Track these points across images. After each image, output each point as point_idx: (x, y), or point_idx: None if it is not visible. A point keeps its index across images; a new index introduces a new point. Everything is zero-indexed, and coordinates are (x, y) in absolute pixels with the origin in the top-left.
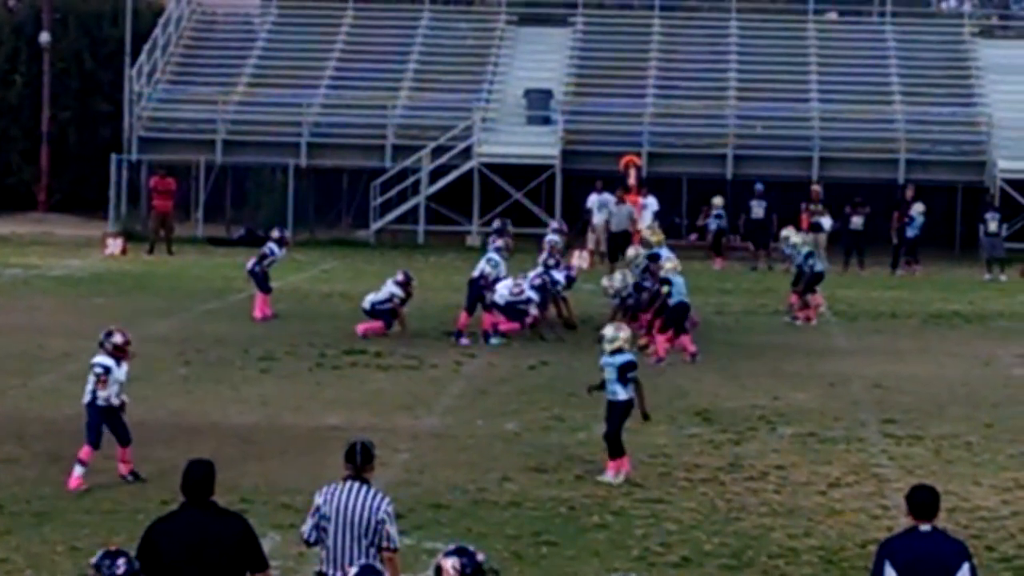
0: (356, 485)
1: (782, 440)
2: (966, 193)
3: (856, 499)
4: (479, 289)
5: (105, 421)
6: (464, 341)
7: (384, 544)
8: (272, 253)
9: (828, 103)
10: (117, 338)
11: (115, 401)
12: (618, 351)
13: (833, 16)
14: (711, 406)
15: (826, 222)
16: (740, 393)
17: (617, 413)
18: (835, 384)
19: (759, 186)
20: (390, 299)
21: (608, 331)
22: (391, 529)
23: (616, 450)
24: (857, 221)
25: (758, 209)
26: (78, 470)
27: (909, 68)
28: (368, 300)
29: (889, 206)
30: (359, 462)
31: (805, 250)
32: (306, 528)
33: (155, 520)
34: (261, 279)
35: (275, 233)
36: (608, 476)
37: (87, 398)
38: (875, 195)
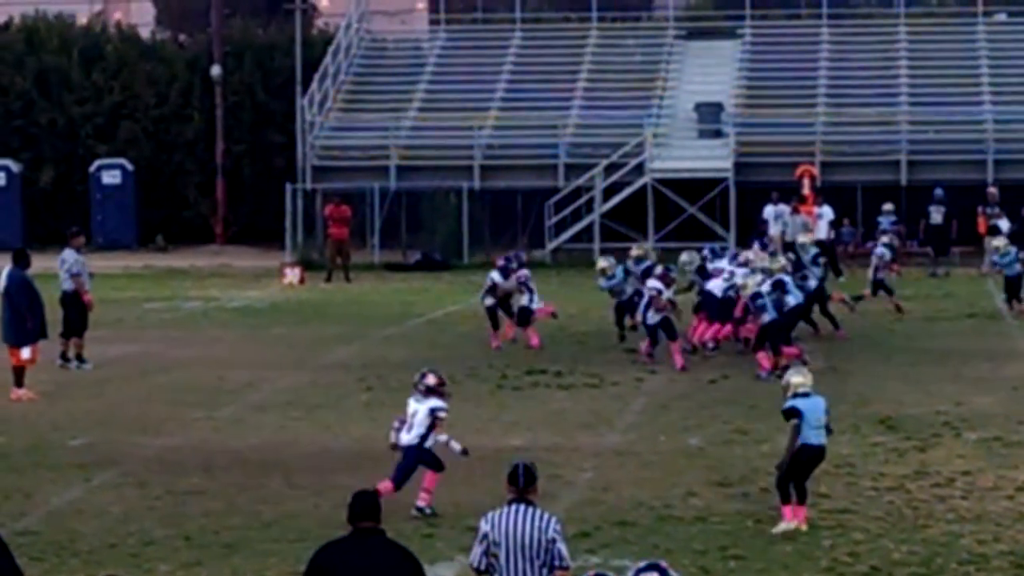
0: (522, 508)
1: (968, 445)
2: None
3: None
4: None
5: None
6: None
7: (557, 563)
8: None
9: (1001, 105)
10: (430, 379)
11: (447, 441)
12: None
13: (1002, 17)
14: (895, 413)
15: (1004, 224)
16: (923, 399)
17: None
18: (1019, 388)
19: (939, 191)
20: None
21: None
22: (562, 548)
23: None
24: None
25: (937, 215)
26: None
27: None
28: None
29: None
30: (522, 484)
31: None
32: (475, 555)
33: (322, 546)
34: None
35: (499, 262)
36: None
37: (414, 440)
38: None
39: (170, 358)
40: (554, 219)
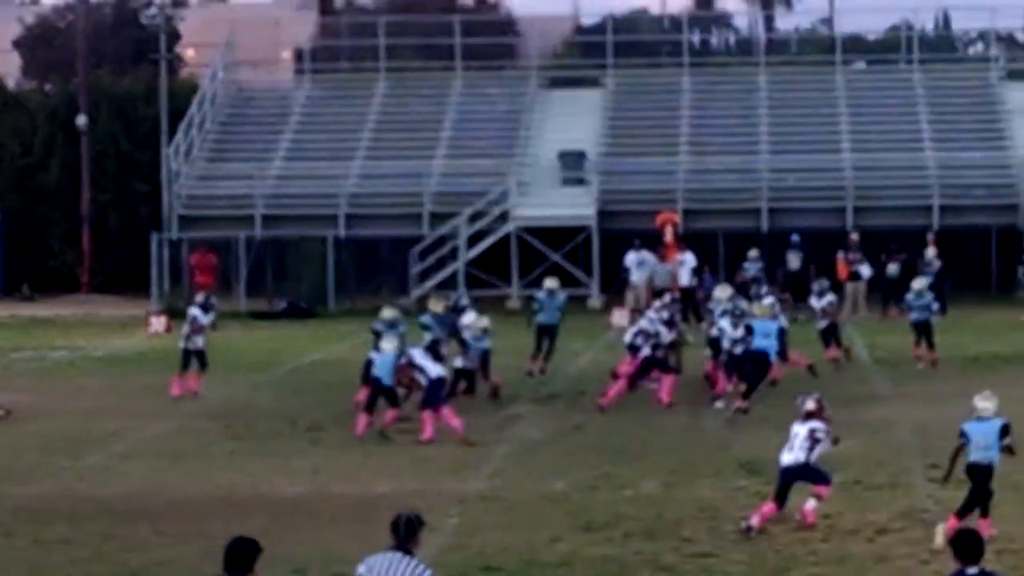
0: (398, 555)
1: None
2: (1000, 236)
3: (904, 545)
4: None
5: None
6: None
7: None
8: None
9: (860, 152)
10: (810, 404)
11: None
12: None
13: (861, 65)
14: (755, 458)
15: (864, 270)
16: (784, 443)
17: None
18: (878, 431)
19: (795, 237)
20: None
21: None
22: None
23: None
24: (893, 268)
25: (794, 261)
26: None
27: (938, 114)
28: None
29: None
30: (401, 535)
31: None
32: None
33: None
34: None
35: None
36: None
37: (803, 458)
38: (911, 242)
39: (37, 407)
40: (419, 267)
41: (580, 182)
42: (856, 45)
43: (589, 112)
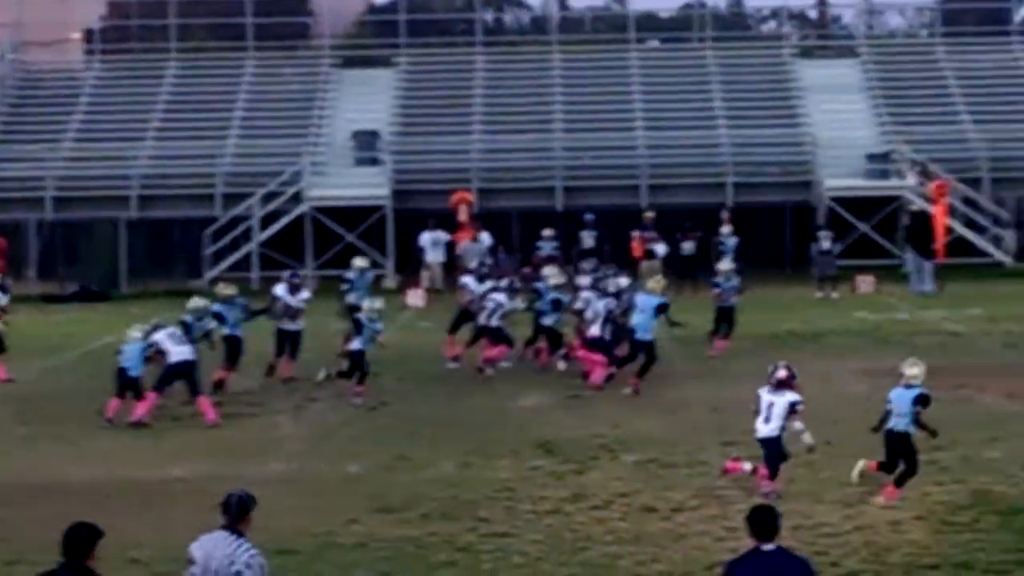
0: (225, 534)
1: (625, 468)
2: (795, 213)
3: (701, 522)
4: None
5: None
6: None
7: None
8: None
9: (654, 130)
10: (781, 373)
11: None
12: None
13: (655, 44)
14: (553, 437)
15: (660, 248)
16: (581, 423)
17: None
18: (675, 410)
19: (589, 216)
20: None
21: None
22: None
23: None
24: (688, 246)
25: (588, 239)
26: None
27: (732, 92)
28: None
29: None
30: (233, 514)
31: None
32: None
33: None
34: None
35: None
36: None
37: (775, 433)
38: (707, 219)
39: None
40: (212, 248)
41: (374, 162)
42: (649, 23)
43: (383, 91)
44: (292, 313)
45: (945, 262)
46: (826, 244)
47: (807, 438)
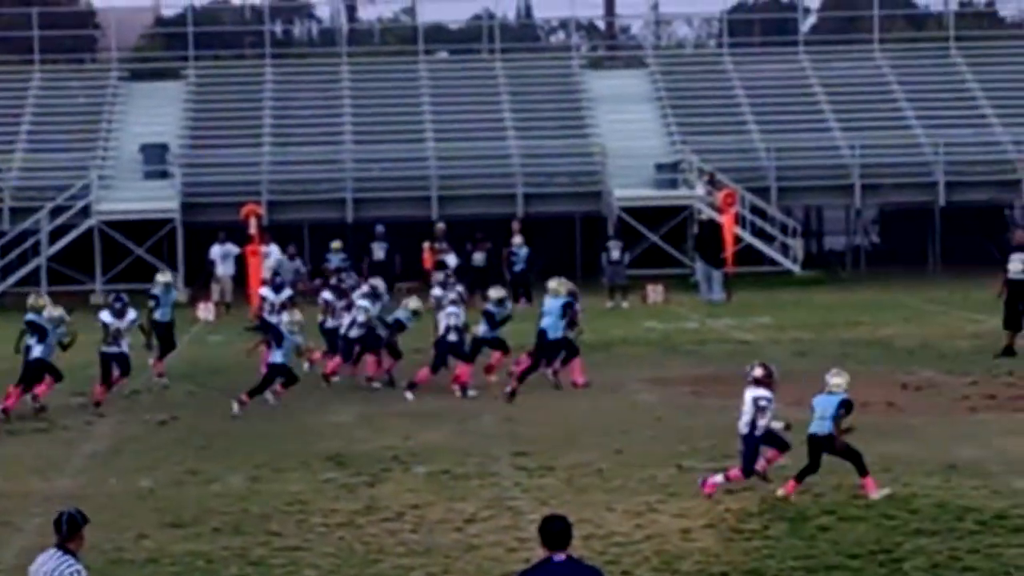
0: (54, 552)
1: (417, 479)
2: (585, 223)
3: (492, 533)
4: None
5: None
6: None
7: None
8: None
9: (444, 142)
10: (757, 372)
11: (777, 425)
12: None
13: (444, 55)
14: (344, 449)
15: (451, 259)
16: (372, 435)
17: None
18: (466, 420)
19: (380, 228)
20: None
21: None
22: None
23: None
24: (479, 257)
25: (379, 251)
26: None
27: (521, 103)
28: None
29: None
30: (64, 532)
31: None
32: None
33: None
34: None
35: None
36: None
37: (745, 430)
38: (497, 230)
39: None
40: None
41: (163, 175)
42: (439, 35)
43: (171, 104)
44: (118, 336)
45: (734, 271)
46: (616, 254)
47: (777, 424)
